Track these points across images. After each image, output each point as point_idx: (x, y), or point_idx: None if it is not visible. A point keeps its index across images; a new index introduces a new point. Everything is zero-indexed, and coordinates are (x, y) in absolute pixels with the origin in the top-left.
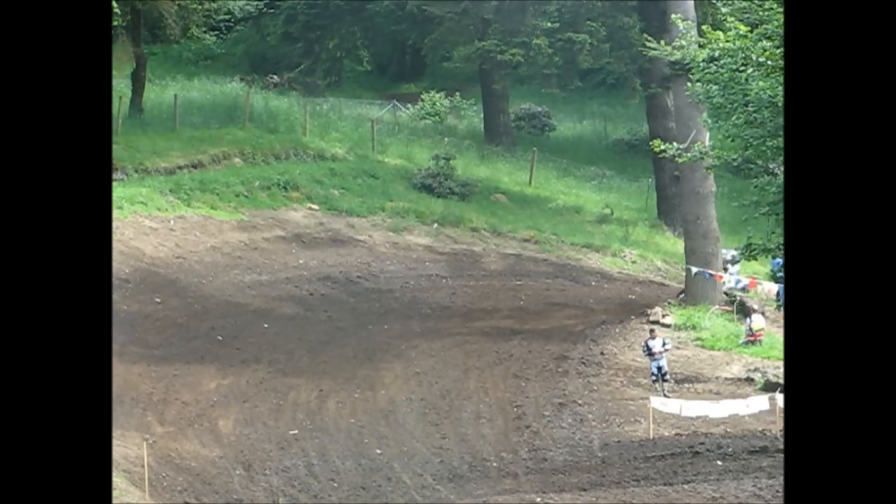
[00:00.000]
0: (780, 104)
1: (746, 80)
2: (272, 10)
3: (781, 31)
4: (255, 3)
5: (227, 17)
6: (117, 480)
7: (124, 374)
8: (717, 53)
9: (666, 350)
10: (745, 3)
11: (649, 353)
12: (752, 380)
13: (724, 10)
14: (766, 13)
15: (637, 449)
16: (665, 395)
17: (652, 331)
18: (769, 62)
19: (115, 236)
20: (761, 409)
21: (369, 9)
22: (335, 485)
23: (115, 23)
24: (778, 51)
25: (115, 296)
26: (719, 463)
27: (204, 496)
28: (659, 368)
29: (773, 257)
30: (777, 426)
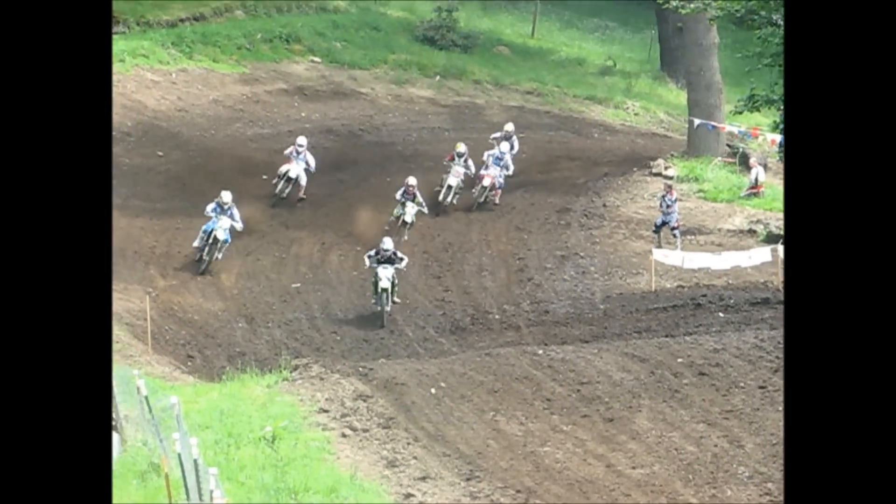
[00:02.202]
0: None
1: None
2: None
3: None
4: None
5: None
6: (120, 333)
7: (127, 228)
8: None
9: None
10: None
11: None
12: (755, 231)
13: None
14: None
15: (639, 301)
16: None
17: (669, 187)
18: None
19: (118, 89)
20: (763, 260)
21: None
22: (338, 337)
23: None
24: None
25: (118, 149)
26: (721, 315)
27: (206, 349)
28: (664, 222)
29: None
30: (779, 278)
